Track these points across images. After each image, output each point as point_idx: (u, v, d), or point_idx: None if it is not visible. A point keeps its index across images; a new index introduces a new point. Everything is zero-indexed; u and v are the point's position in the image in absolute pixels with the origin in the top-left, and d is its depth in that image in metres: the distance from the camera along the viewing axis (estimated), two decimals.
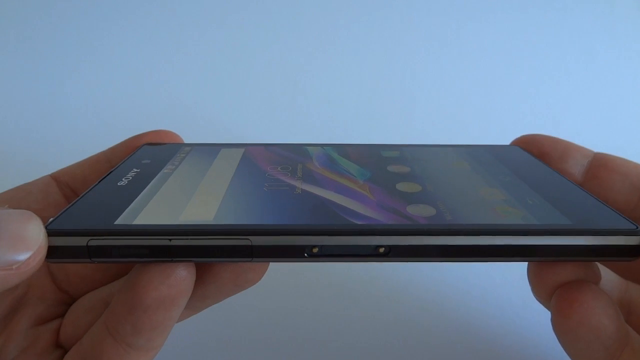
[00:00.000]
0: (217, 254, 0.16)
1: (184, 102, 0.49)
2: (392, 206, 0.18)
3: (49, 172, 0.23)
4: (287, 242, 0.16)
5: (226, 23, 0.52)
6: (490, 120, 0.49)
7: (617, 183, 0.21)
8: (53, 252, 0.16)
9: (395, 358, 0.26)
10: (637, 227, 0.17)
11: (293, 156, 0.24)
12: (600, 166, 0.22)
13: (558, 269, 0.18)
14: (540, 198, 0.19)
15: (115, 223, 0.17)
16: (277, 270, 0.27)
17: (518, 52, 0.52)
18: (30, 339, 0.19)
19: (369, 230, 0.16)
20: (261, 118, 0.49)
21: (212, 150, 0.24)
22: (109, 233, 0.16)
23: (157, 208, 0.18)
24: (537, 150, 0.24)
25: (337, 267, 0.30)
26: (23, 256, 0.15)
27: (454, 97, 0.50)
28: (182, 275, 0.17)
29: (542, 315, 0.20)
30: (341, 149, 0.25)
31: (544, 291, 0.18)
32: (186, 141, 0.26)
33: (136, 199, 0.18)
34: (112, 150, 0.24)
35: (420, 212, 0.18)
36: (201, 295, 0.18)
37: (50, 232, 0.16)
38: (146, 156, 0.23)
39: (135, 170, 0.21)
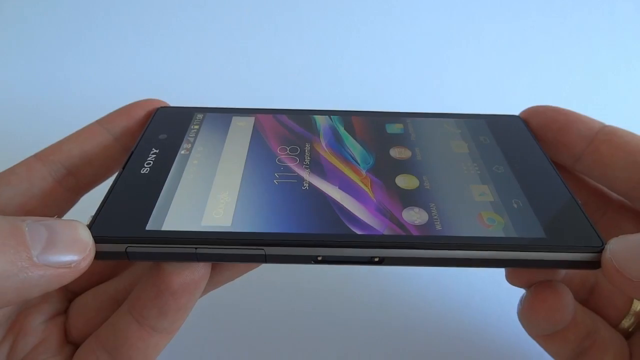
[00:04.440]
0: (235, 259, 0.19)
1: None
2: (389, 210, 0.20)
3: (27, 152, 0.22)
4: (296, 252, 0.19)
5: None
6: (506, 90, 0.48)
7: (619, 160, 0.21)
8: (97, 255, 0.19)
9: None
10: (602, 244, 0.19)
11: (301, 132, 0.25)
12: (604, 141, 0.22)
13: (531, 271, 0.21)
14: (525, 200, 0.21)
15: (147, 229, 0.19)
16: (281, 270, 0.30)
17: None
18: (41, 336, 0.21)
19: (365, 244, 0.19)
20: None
21: (223, 120, 0.25)
22: (144, 241, 0.19)
23: (180, 209, 0.20)
24: (538, 122, 0.25)
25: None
26: (78, 256, 0.17)
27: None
28: (202, 263, 0.19)
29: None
30: (347, 120, 0.26)
31: (519, 284, 0.21)
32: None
33: (160, 196, 0.20)
34: (109, 119, 0.24)
35: (413, 219, 0.20)
36: (217, 281, 0.21)
37: (95, 239, 0.18)
38: (162, 128, 0.24)
39: (155, 151, 0.23)
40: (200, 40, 0.51)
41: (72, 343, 0.22)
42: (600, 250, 0.19)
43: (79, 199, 0.24)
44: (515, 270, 0.21)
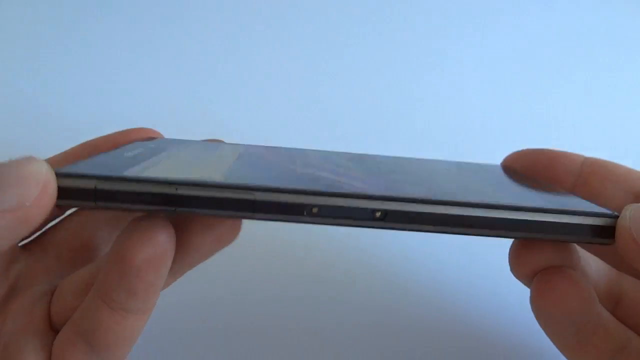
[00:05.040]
0: (221, 205, 0.17)
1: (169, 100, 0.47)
2: (390, 185, 0.19)
3: None
4: (290, 199, 0.17)
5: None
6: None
7: (609, 190, 0.22)
8: (60, 193, 0.16)
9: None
10: (615, 213, 0.18)
11: (293, 152, 0.25)
12: (590, 173, 0.23)
13: (538, 254, 0.18)
14: (525, 190, 0.20)
15: (125, 174, 0.17)
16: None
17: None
18: (24, 321, 0.19)
19: (367, 195, 0.17)
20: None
21: (212, 144, 0.25)
22: (117, 179, 0.17)
23: (167, 167, 0.18)
24: (522, 166, 0.25)
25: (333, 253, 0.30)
26: (34, 192, 0.15)
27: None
28: (163, 237, 0.17)
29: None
30: (340, 155, 0.26)
31: (524, 273, 0.19)
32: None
33: (146, 161, 0.19)
34: (95, 143, 0.24)
35: (416, 189, 0.19)
36: (188, 263, 0.19)
37: (59, 174, 0.16)
38: (142, 146, 0.24)
39: (140, 150, 0.22)
40: (199, 72, 0.48)
41: (54, 330, 0.20)
42: (614, 216, 0.18)
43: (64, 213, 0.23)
44: (521, 254, 0.19)
